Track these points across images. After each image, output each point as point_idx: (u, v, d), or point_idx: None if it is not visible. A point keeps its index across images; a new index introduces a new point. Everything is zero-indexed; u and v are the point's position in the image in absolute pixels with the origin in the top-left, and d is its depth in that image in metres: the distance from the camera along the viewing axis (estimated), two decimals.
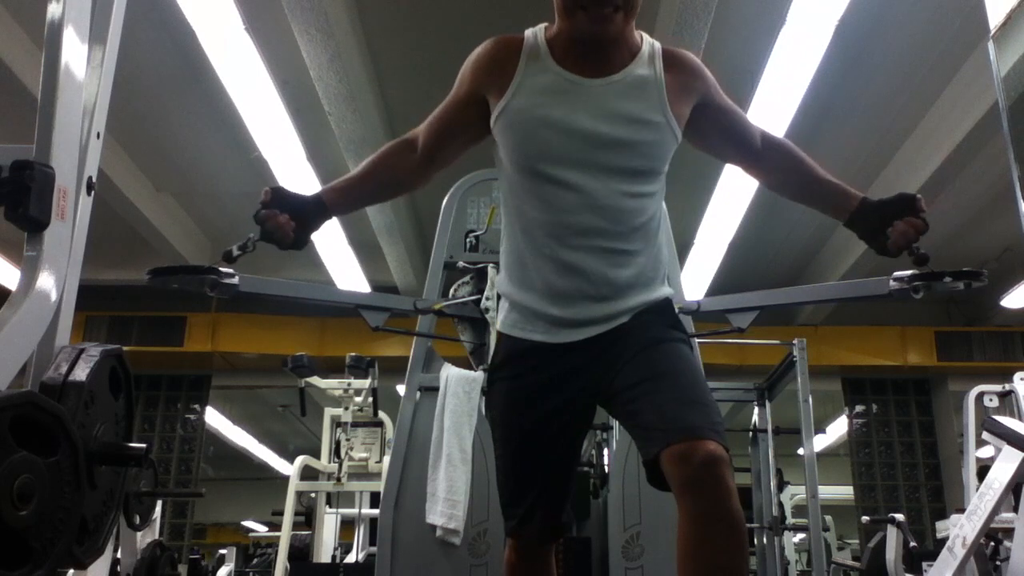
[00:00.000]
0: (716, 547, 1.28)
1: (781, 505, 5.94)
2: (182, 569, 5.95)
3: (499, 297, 1.67)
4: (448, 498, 2.75)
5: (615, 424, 4.69)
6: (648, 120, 1.49)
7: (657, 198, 1.56)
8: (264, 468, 14.48)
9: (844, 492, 9.35)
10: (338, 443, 5.60)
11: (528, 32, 1.55)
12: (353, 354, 5.23)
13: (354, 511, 6.03)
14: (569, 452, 1.59)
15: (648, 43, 1.57)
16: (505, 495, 1.60)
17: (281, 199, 1.55)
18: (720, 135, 1.64)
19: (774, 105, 5.15)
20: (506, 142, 1.52)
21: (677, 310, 1.65)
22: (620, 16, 1.46)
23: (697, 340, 2.82)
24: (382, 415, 5.74)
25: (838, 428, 10.78)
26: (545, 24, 1.56)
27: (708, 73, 1.60)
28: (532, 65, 1.51)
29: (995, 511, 2.51)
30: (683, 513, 1.30)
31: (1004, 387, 5.23)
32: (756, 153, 1.65)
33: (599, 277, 1.49)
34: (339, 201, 1.61)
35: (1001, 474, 2.51)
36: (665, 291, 1.58)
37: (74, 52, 1.38)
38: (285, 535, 5.43)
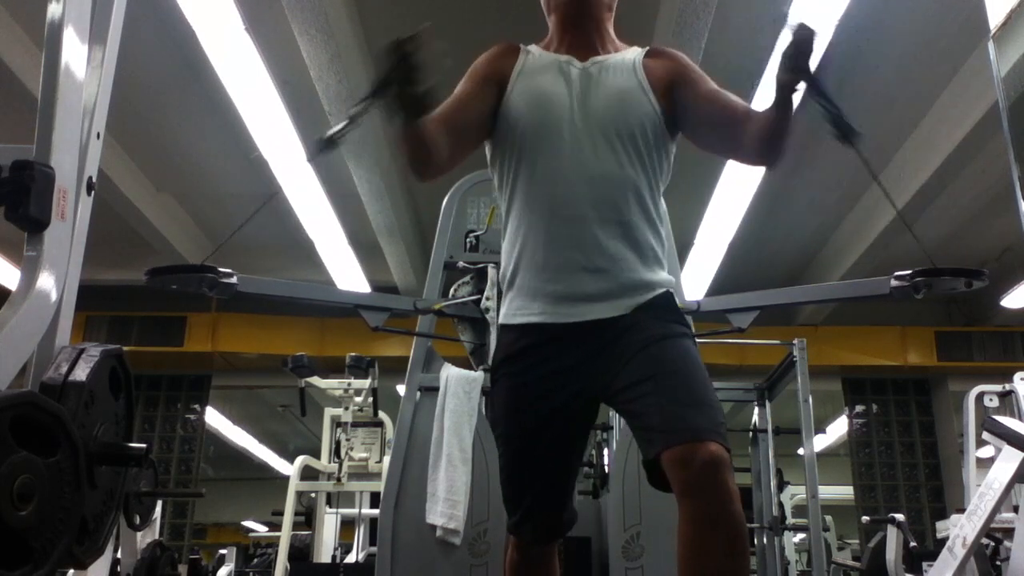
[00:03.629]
0: (717, 551, 1.27)
1: (781, 505, 5.94)
2: (182, 569, 5.93)
3: (499, 296, 1.68)
4: (448, 498, 2.75)
5: (615, 424, 4.70)
6: (630, 92, 1.58)
7: (650, 173, 1.57)
8: (264, 468, 14.48)
9: (844, 492, 9.35)
10: (338, 443, 5.60)
11: (524, 46, 1.70)
12: (353, 354, 5.24)
13: (354, 511, 6.03)
14: (572, 450, 1.59)
15: (636, 47, 1.69)
16: (507, 492, 1.60)
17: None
18: (705, 113, 1.59)
19: None
20: (509, 121, 1.60)
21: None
22: None
23: (697, 340, 2.82)
24: (382, 415, 5.74)
25: (838, 428, 10.78)
26: (535, 42, 1.71)
27: (689, 60, 1.68)
28: (529, 57, 1.65)
29: (995, 511, 2.51)
30: (683, 516, 1.30)
31: (1004, 387, 5.24)
32: (741, 131, 1.55)
33: (592, 247, 1.51)
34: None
35: (1001, 474, 2.51)
36: (665, 277, 1.57)
37: (74, 52, 1.38)
38: (285, 535, 5.43)
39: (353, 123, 1.38)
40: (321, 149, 1.40)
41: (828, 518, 8.17)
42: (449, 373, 2.96)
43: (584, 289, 1.51)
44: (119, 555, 3.34)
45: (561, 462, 1.58)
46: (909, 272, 2.20)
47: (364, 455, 5.78)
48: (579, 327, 1.51)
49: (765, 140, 1.50)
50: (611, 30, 1.69)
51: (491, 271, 3.05)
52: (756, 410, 5.49)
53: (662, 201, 1.64)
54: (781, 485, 6.52)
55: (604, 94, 1.58)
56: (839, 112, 1.36)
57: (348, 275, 7.89)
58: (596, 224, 1.51)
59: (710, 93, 1.60)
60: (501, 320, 1.62)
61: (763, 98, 4.97)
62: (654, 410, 1.38)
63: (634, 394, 1.42)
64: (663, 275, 1.57)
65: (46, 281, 1.30)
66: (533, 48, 1.68)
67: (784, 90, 1.41)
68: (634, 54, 1.65)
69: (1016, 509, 3.18)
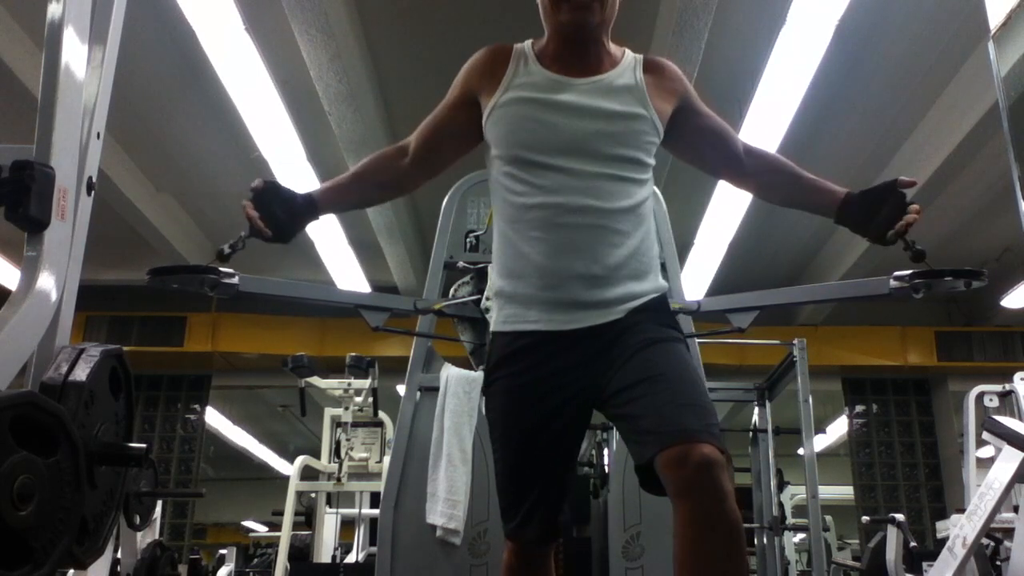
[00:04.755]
0: (713, 551, 1.26)
1: (781, 505, 5.94)
2: (182, 569, 5.93)
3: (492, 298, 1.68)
4: (448, 498, 2.75)
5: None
6: (630, 113, 1.58)
7: (645, 187, 1.59)
8: (264, 468, 14.48)
9: (844, 492, 9.35)
10: (338, 443, 5.60)
11: (518, 44, 1.66)
12: (353, 354, 5.23)
13: (354, 511, 6.03)
14: (566, 455, 1.58)
15: (630, 54, 1.67)
16: (503, 497, 1.59)
17: (272, 192, 1.64)
18: (707, 143, 1.70)
19: (774, 105, 5.15)
20: (496, 134, 1.60)
21: (677, 310, 1.66)
22: (598, 6, 1.56)
23: (697, 340, 2.82)
24: (382, 415, 5.74)
25: (838, 428, 10.78)
26: (532, 39, 1.67)
27: (686, 80, 1.70)
28: (521, 68, 1.62)
29: (995, 511, 2.51)
30: (679, 517, 1.29)
31: (1004, 387, 5.24)
32: (742, 162, 1.71)
33: (589, 255, 1.50)
34: (330, 200, 1.70)
35: (1001, 474, 2.51)
36: (659, 284, 1.58)
37: (74, 52, 1.38)
38: (285, 535, 5.43)
39: (236, 248, 1.65)
40: (220, 258, 1.65)
41: (828, 518, 8.18)
42: (449, 373, 2.96)
43: (580, 297, 1.50)
44: (119, 555, 3.34)
45: (556, 465, 1.57)
46: (908, 272, 2.20)
47: (364, 455, 5.78)
48: (574, 334, 1.50)
49: (780, 198, 1.77)
50: (608, 42, 1.65)
51: (491, 271, 3.05)
52: (756, 410, 5.48)
53: (661, 205, 1.65)
54: (781, 485, 6.52)
55: (604, 111, 1.56)
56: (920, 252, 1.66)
57: (348, 275, 7.89)
58: (590, 233, 1.51)
59: (713, 125, 1.69)
60: (494, 327, 1.61)
61: (762, 100, 4.89)
62: (646, 413, 1.37)
63: (626, 397, 1.42)
64: (658, 281, 1.58)
65: (46, 281, 1.30)
66: (527, 49, 1.64)
67: (874, 238, 1.68)
68: (632, 68, 1.62)
69: (1016, 509, 3.18)
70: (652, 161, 1.61)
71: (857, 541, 9.33)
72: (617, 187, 1.53)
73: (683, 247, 7.02)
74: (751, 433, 5.64)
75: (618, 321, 1.50)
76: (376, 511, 3.92)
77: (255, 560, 9.78)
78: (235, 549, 8.31)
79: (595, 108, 1.56)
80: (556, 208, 1.52)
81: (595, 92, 1.58)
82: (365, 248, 7.51)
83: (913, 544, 4.15)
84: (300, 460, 5.58)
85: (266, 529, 13.39)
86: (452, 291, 3.17)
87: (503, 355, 1.57)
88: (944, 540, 2.73)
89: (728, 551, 1.26)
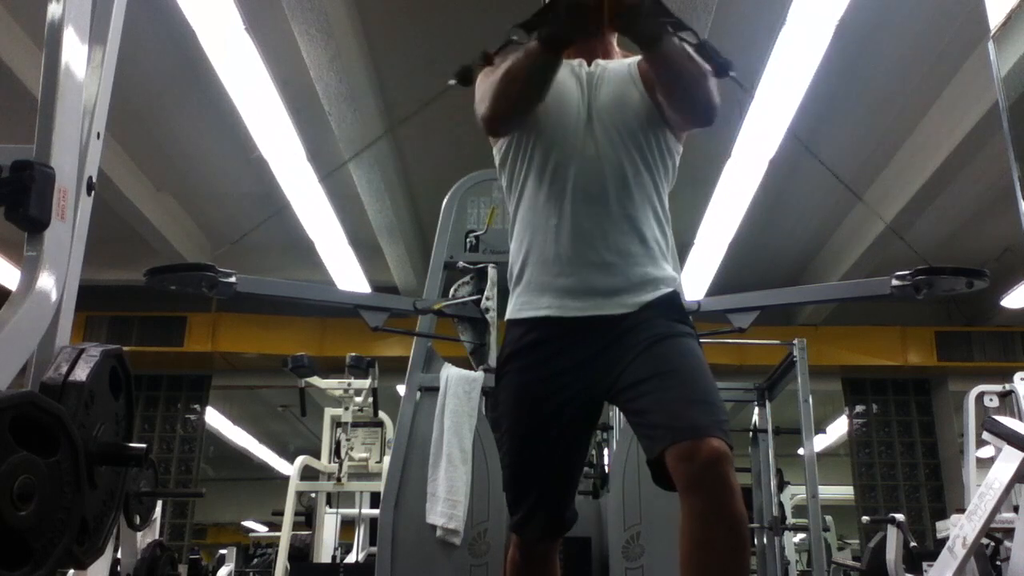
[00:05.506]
0: (718, 546, 1.29)
1: (781, 505, 5.94)
2: (182, 569, 5.95)
3: (500, 296, 1.68)
4: (448, 498, 2.75)
5: (615, 424, 4.70)
6: (626, 90, 1.61)
7: (655, 171, 1.60)
8: (264, 468, 14.48)
9: (844, 492, 9.36)
10: (338, 443, 5.61)
11: None
12: (353, 354, 5.24)
13: (354, 511, 6.04)
14: (574, 450, 1.60)
15: (635, 56, 1.70)
16: (510, 491, 1.61)
17: None
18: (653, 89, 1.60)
19: (774, 105, 5.15)
20: (530, 118, 1.61)
21: None
22: None
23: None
24: (382, 415, 5.74)
25: (838, 428, 10.78)
26: None
27: None
28: None
29: (995, 511, 2.51)
30: (686, 512, 1.31)
31: (1004, 387, 5.24)
32: None
33: (601, 242, 1.53)
34: None
35: (1001, 474, 2.51)
36: (671, 276, 1.59)
37: (74, 52, 1.38)
38: (285, 535, 5.43)
39: (509, 46, 1.43)
40: (460, 81, 1.49)
41: (828, 518, 8.18)
42: (449, 373, 2.96)
43: (592, 284, 1.52)
44: (119, 555, 3.34)
45: (565, 460, 1.58)
46: (910, 272, 2.20)
47: (364, 455, 5.79)
48: (585, 323, 1.52)
49: (668, 93, 1.53)
50: (614, 42, 1.72)
51: (491, 271, 3.05)
52: (756, 410, 5.49)
53: (666, 199, 1.65)
54: (781, 485, 6.52)
55: (607, 93, 1.61)
56: (701, 41, 1.44)
57: (348, 275, 7.89)
58: (604, 220, 1.53)
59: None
60: (508, 315, 1.63)
61: (762, 100, 4.90)
62: (657, 408, 1.39)
63: (637, 392, 1.43)
64: (669, 271, 1.59)
65: (46, 281, 1.30)
66: None
67: (635, 32, 1.44)
68: (630, 59, 1.68)
69: (1016, 509, 3.19)
70: (653, 137, 1.60)
71: (857, 541, 9.33)
72: (629, 171, 1.56)
73: (683, 247, 7.02)
74: (751, 433, 5.64)
75: (629, 315, 1.51)
76: (376, 511, 3.92)
77: (255, 560, 9.79)
78: (235, 549, 8.33)
79: (600, 84, 1.61)
80: (570, 195, 1.54)
81: (601, 71, 1.64)
82: (365, 248, 7.50)
83: (913, 544, 4.16)
84: (300, 460, 5.58)
85: (266, 529, 13.39)
86: (452, 291, 3.17)
87: (514, 350, 1.59)
88: (944, 540, 2.73)
89: (732, 547, 1.29)
